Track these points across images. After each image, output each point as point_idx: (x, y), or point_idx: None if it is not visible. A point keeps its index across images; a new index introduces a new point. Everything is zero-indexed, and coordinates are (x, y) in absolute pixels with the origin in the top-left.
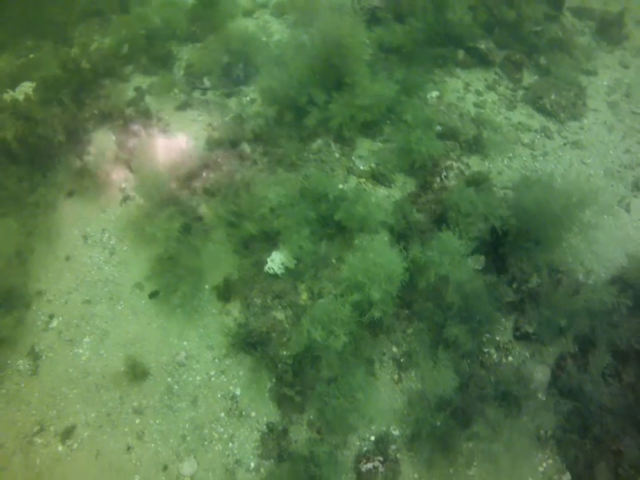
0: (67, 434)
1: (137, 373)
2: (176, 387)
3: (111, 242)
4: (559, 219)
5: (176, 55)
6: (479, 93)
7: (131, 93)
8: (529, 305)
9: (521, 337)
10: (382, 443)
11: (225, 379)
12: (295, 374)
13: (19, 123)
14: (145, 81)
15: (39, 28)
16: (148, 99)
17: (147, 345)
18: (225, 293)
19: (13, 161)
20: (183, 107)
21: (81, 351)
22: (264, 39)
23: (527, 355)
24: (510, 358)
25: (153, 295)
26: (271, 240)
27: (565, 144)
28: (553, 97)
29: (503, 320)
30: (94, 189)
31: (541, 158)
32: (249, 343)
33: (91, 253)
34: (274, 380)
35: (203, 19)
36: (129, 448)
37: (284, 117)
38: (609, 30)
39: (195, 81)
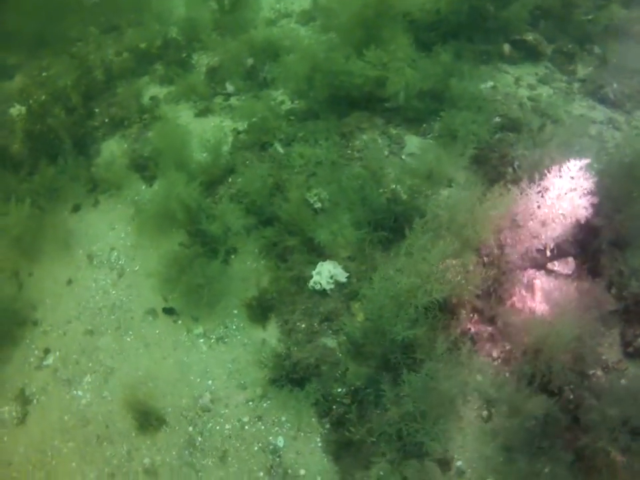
0: None
1: (149, 420)
2: (199, 438)
3: (120, 262)
4: None
5: (195, 63)
6: (531, 87)
7: (145, 102)
8: (636, 313)
9: (635, 353)
10: None
11: (263, 427)
12: (357, 416)
13: (23, 132)
14: (161, 90)
15: (54, 45)
16: (165, 107)
17: (162, 385)
18: (259, 317)
19: (15, 170)
20: (204, 113)
21: (80, 393)
22: (288, 42)
23: None
24: (623, 381)
25: (168, 312)
26: (314, 251)
27: (637, 134)
28: (615, 86)
29: (607, 334)
30: (103, 202)
31: (613, 150)
32: (293, 380)
33: (97, 275)
34: (328, 426)
35: (223, 26)
36: None
37: (320, 111)
38: None
39: (216, 87)
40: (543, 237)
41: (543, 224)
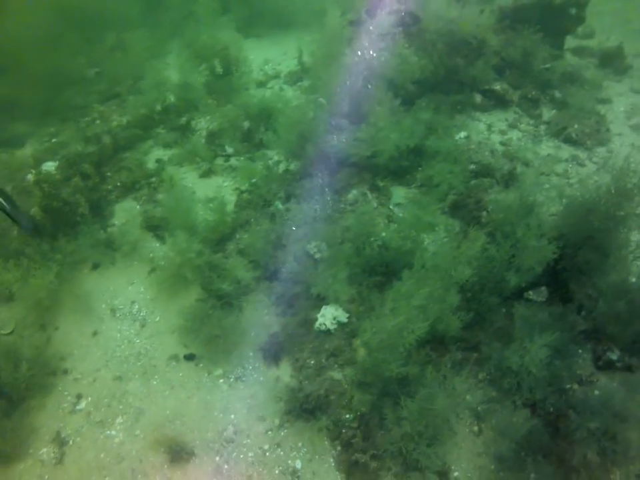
0: None
1: (179, 453)
2: (226, 466)
3: (142, 314)
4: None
5: (195, 127)
6: (502, 132)
7: (152, 165)
8: (604, 331)
9: (604, 366)
10: None
11: (282, 453)
12: (363, 438)
13: (41, 199)
14: (165, 153)
15: (59, 114)
16: (171, 169)
17: (189, 422)
18: (273, 357)
19: (36, 236)
20: (207, 174)
21: (113, 432)
22: (280, 105)
23: (615, 385)
24: (596, 392)
25: (189, 358)
26: (317, 296)
27: (598, 169)
28: (576, 126)
29: (580, 351)
30: (120, 260)
31: (578, 185)
32: (306, 410)
33: (121, 327)
34: (339, 448)
35: (218, 91)
36: None
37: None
38: (612, 62)
39: (216, 149)
40: None
41: None
